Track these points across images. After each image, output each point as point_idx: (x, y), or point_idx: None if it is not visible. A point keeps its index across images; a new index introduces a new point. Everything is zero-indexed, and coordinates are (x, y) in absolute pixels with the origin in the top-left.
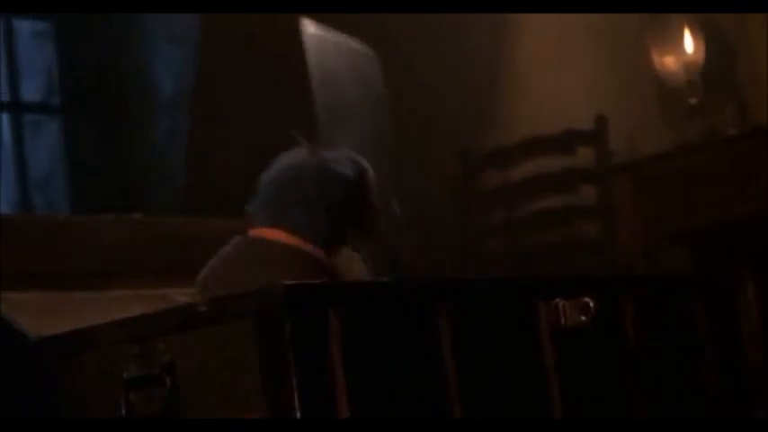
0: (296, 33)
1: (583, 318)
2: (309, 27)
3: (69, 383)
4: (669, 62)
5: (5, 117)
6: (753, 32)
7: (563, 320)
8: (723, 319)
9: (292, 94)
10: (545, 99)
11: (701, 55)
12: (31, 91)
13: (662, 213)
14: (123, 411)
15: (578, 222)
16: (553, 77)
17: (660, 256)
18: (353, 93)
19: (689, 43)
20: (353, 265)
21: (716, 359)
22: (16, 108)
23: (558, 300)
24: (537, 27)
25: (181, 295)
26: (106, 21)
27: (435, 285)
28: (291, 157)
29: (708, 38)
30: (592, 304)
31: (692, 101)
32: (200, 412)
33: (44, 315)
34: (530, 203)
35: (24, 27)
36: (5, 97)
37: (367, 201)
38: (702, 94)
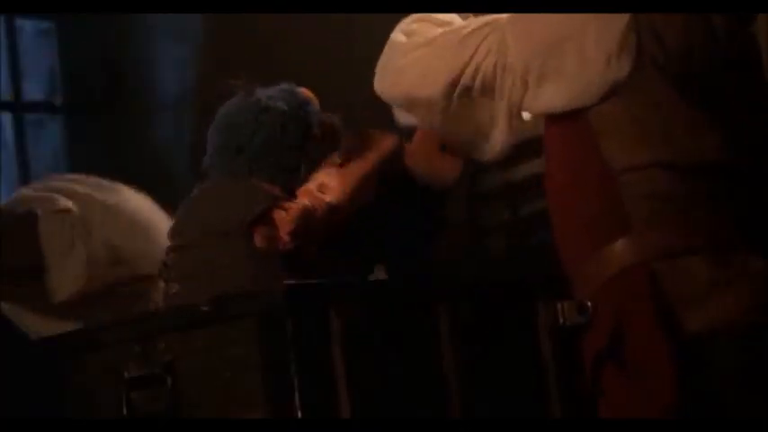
0: (296, 32)
1: (581, 317)
2: None
3: (71, 383)
4: None
5: (7, 116)
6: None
7: (562, 320)
8: None
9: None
10: None
11: None
12: (33, 90)
13: None
14: (125, 410)
15: None
16: None
17: None
18: None
19: None
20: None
21: None
22: (18, 107)
23: (556, 300)
24: None
25: None
26: (109, 20)
27: (437, 285)
28: (228, 104)
29: None
30: (590, 304)
31: None
32: (201, 411)
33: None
34: (531, 203)
35: (27, 26)
36: (7, 96)
37: (307, 130)
38: None
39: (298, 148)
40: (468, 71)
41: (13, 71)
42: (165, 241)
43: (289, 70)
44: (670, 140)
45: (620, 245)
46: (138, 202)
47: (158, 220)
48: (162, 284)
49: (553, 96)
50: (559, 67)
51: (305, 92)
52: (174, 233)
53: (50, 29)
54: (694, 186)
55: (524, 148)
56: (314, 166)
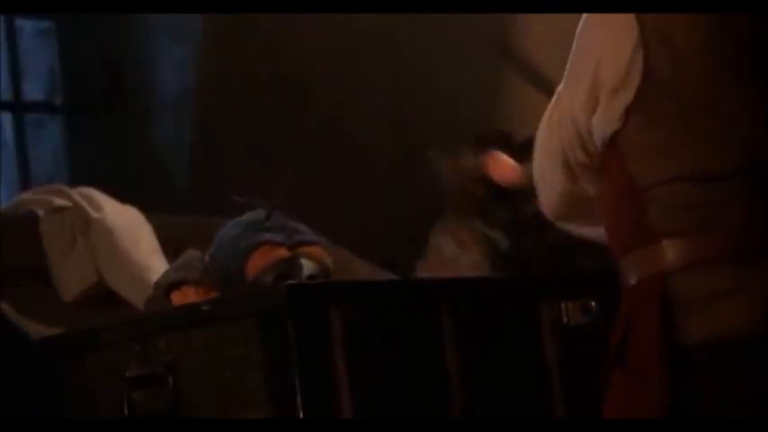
0: (296, 32)
1: (585, 317)
2: None
3: (72, 383)
4: None
5: (7, 116)
6: None
7: (565, 320)
8: None
9: (294, 93)
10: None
11: None
12: (33, 90)
13: None
14: (126, 410)
15: None
16: (558, 77)
17: None
18: None
19: None
20: (351, 265)
21: None
22: (18, 107)
23: (560, 300)
24: (543, 26)
25: None
26: (109, 20)
27: (437, 285)
28: (232, 222)
29: None
30: (594, 304)
31: None
32: (202, 411)
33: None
34: (532, 203)
35: (27, 26)
36: (7, 96)
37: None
38: None
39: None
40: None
41: (13, 71)
42: (143, 261)
43: (289, 70)
44: (686, 153)
45: (640, 254)
46: (121, 221)
47: (139, 240)
48: None
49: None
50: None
51: (311, 254)
52: None
53: (50, 29)
54: (714, 196)
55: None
56: None
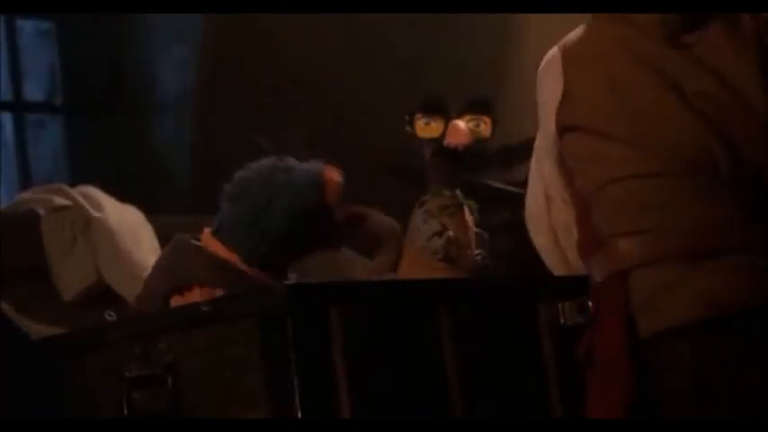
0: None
1: (582, 317)
2: None
3: (72, 383)
4: None
5: (7, 116)
6: None
7: (563, 320)
8: None
9: (295, 93)
10: None
11: None
12: (33, 90)
13: None
14: (126, 410)
15: None
16: None
17: None
18: None
19: None
20: (353, 266)
21: None
22: (19, 108)
23: (557, 300)
24: (542, 27)
25: None
26: (109, 20)
27: (436, 286)
28: (251, 167)
29: None
30: (590, 304)
31: None
32: (202, 411)
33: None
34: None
35: (27, 26)
36: (7, 96)
37: (313, 222)
38: None
39: (280, 228)
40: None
41: (13, 71)
42: (144, 261)
43: (288, 70)
44: (627, 155)
45: (600, 255)
46: (121, 221)
47: (140, 240)
48: None
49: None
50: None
51: (328, 176)
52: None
53: (50, 29)
54: (658, 193)
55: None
56: (312, 248)
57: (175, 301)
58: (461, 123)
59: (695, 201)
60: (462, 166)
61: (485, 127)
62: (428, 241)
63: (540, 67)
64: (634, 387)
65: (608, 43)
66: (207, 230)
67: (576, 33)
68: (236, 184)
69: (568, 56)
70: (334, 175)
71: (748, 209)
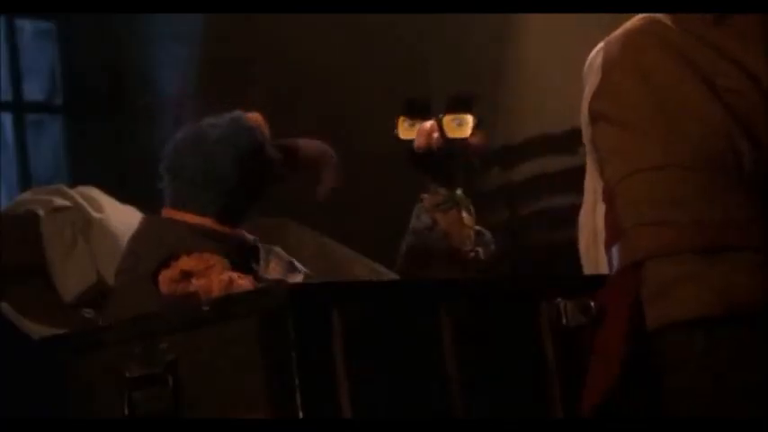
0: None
1: (584, 317)
2: None
3: (73, 383)
4: None
5: (7, 117)
6: None
7: (565, 320)
8: None
9: (295, 93)
10: (550, 98)
11: None
12: (33, 90)
13: None
14: (126, 410)
15: None
16: (558, 77)
17: None
18: None
19: None
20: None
21: None
22: (18, 108)
23: (559, 300)
24: (542, 26)
25: None
26: (109, 20)
27: (437, 285)
28: (177, 139)
29: None
30: (592, 304)
31: None
32: (202, 411)
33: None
34: (533, 203)
35: (27, 26)
36: (7, 96)
37: (247, 158)
38: None
39: (234, 177)
40: None
41: (13, 71)
42: None
43: (288, 70)
44: (647, 147)
45: (616, 247)
46: (121, 222)
47: None
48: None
49: None
50: None
51: (252, 118)
52: (115, 273)
53: (50, 29)
54: (681, 186)
55: (524, 148)
56: (262, 191)
57: (164, 276)
58: (426, 125)
59: (717, 196)
60: (451, 165)
61: (465, 126)
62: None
63: (587, 61)
64: (618, 372)
65: (638, 33)
66: (164, 210)
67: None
68: (173, 157)
69: (608, 47)
70: (256, 116)
71: None
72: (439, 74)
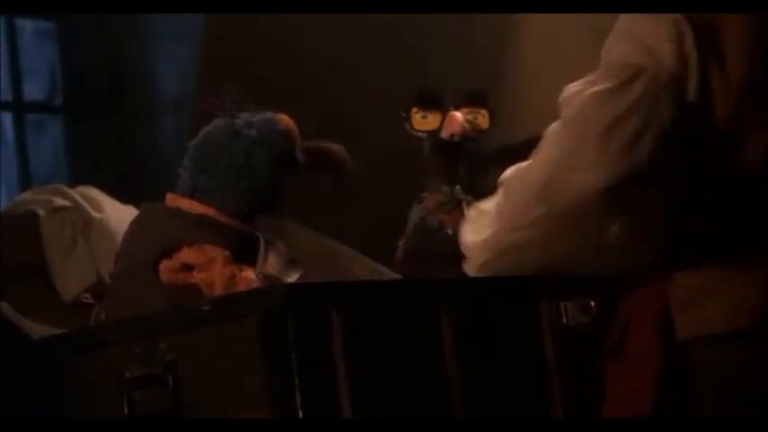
0: (296, 33)
1: (584, 317)
2: None
3: (73, 383)
4: None
5: (7, 116)
6: None
7: (565, 320)
8: None
9: (295, 93)
10: (550, 98)
11: None
12: (33, 90)
13: None
14: (126, 411)
15: None
16: (558, 77)
17: None
18: None
19: None
20: (354, 264)
21: None
22: (18, 107)
23: (559, 300)
24: (543, 26)
25: None
26: (109, 20)
27: (438, 285)
28: (210, 132)
29: None
30: (593, 304)
31: None
32: (202, 412)
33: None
34: None
35: (27, 26)
36: (7, 96)
37: (278, 160)
38: None
39: (266, 178)
40: None
41: (13, 71)
42: None
43: (288, 70)
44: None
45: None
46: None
47: None
48: (96, 308)
49: None
50: None
51: (284, 121)
52: (115, 258)
53: (50, 29)
54: (699, 194)
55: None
56: (290, 195)
57: (164, 266)
58: (458, 113)
59: (751, 207)
60: (461, 160)
61: (482, 119)
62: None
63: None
64: (660, 385)
65: None
66: (171, 195)
67: None
68: (206, 149)
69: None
70: (288, 120)
71: None
72: (439, 73)
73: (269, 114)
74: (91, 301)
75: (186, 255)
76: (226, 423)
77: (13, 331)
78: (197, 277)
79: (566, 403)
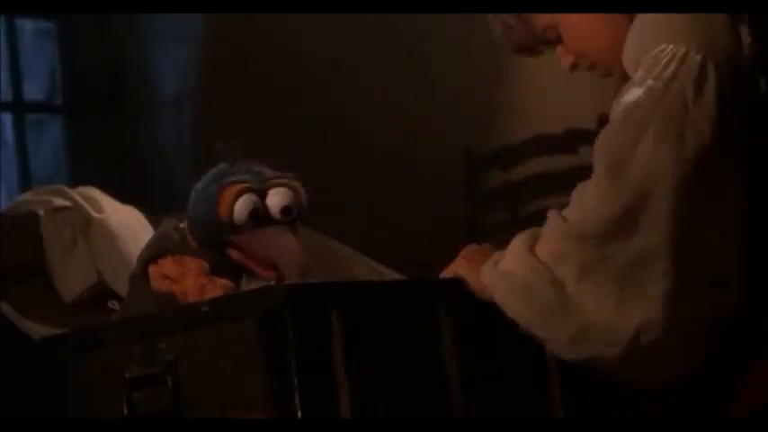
0: (296, 33)
1: None
2: None
3: (73, 383)
4: None
5: (7, 116)
6: None
7: None
8: None
9: (295, 93)
10: (549, 98)
11: None
12: (33, 90)
13: None
14: (126, 411)
15: None
16: (557, 76)
17: None
18: None
19: None
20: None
21: None
22: (18, 107)
23: None
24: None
25: None
26: (109, 20)
27: (437, 285)
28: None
29: None
30: None
31: None
32: (202, 412)
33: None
34: (532, 203)
35: (27, 26)
36: (7, 96)
37: (213, 235)
38: None
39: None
40: None
41: (13, 71)
42: None
43: (288, 70)
44: None
45: None
46: (122, 222)
47: (140, 241)
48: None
49: None
50: None
51: (222, 191)
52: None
53: (50, 29)
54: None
55: (524, 147)
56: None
57: (152, 271)
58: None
59: None
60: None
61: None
62: None
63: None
64: None
65: None
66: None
67: None
68: (195, 188)
69: None
70: (231, 191)
71: None
72: (439, 73)
73: (219, 169)
74: (116, 307)
75: (167, 265)
76: (226, 423)
77: (13, 331)
78: (174, 288)
79: (565, 403)
